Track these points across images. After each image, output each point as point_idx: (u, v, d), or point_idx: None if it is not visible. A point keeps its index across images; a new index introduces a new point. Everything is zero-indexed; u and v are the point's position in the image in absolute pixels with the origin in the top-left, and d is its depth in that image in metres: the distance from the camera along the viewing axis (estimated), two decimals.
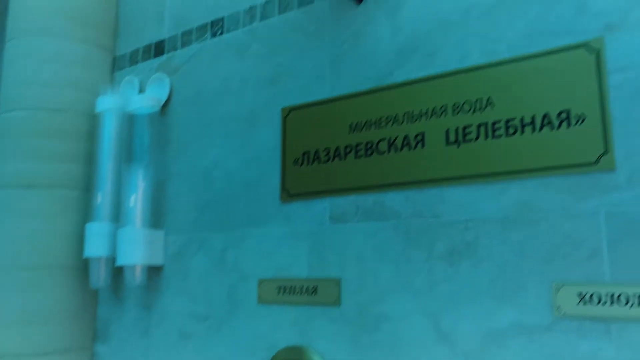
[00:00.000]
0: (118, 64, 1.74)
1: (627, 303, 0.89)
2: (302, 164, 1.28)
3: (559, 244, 0.96)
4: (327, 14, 1.34)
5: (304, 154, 1.28)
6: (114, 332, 1.57)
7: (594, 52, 0.97)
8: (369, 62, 1.24)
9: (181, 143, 1.52)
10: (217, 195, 1.42)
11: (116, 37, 1.76)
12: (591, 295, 0.91)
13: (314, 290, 1.20)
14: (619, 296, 0.89)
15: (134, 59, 1.70)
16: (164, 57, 1.61)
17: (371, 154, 1.18)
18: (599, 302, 0.91)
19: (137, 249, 1.43)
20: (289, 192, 1.28)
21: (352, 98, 1.24)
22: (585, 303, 0.92)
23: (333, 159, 1.23)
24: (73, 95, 1.59)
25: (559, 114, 0.99)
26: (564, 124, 0.98)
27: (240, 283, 1.33)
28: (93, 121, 1.58)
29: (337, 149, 1.23)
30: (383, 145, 1.17)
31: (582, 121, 0.96)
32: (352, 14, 1.30)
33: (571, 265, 0.94)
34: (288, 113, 1.33)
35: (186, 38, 1.58)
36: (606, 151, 0.93)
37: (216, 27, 1.52)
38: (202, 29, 1.56)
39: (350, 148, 1.22)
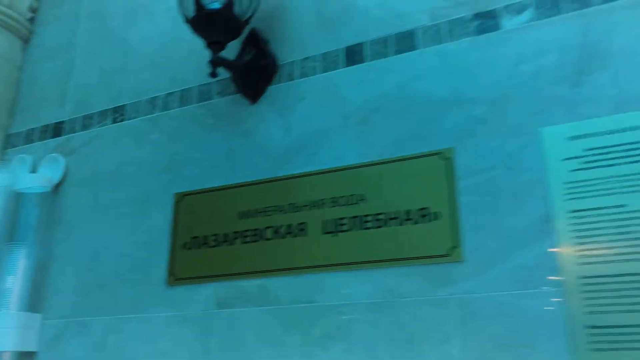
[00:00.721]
0: (11, 142, 1.73)
1: None
2: (190, 248, 1.32)
3: (418, 328, 1.07)
4: (224, 110, 1.45)
5: (193, 238, 1.33)
6: None
7: (446, 159, 1.14)
8: (260, 156, 1.36)
9: (71, 224, 1.51)
10: (103, 278, 1.41)
11: (12, 115, 1.76)
12: None
13: None
14: None
15: (29, 137, 1.71)
16: (62, 138, 1.63)
17: (257, 240, 1.26)
18: None
19: (7, 334, 1.36)
20: (176, 276, 1.32)
21: (243, 187, 1.33)
22: None
23: (221, 245, 1.29)
24: None
25: (419, 210, 1.13)
26: (423, 220, 1.12)
27: None
28: None
29: (226, 234, 1.30)
30: (269, 233, 1.26)
31: (438, 218, 1.11)
32: (248, 112, 1.42)
33: (428, 349, 1.05)
34: (181, 199, 1.39)
35: (87, 121, 1.62)
36: (456, 245, 1.08)
37: (117, 113, 1.59)
38: (103, 114, 1.61)
39: (238, 234, 1.29)
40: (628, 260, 0.94)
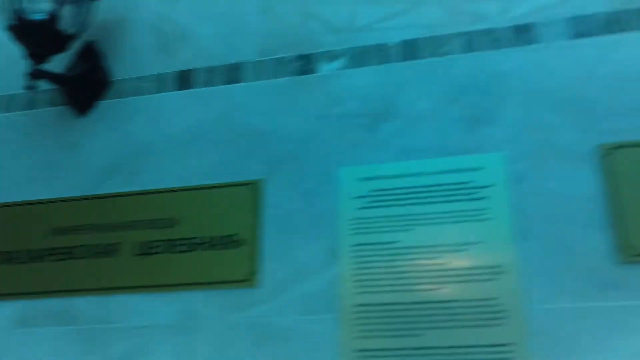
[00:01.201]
0: None
1: None
2: None
3: (215, 350, 1.14)
4: (49, 121, 1.42)
5: (1, 253, 1.29)
6: None
7: (255, 190, 1.23)
8: (81, 171, 1.35)
9: None
10: None
11: None
12: None
13: None
14: None
15: None
16: None
17: (67, 258, 1.26)
18: None
19: None
20: None
21: (60, 203, 1.32)
22: None
23: (30, 262, 1.27)
24: None
25: (227, 237, 1.21)
26: (229, 246, 1.20)
27: None
28: None
29: (36, 251, 1.28)
30: (81, 252, 1.26)
31: (242, 245, 1.19)
32: (74, 125, 1.41)
33: None
34: None
35: None
36: (254, 272, 1.17)
37: None
38: None
39: (49, 251, 1.27)
40: (395, 291, 1.09)
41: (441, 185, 1.14)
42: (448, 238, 1.09)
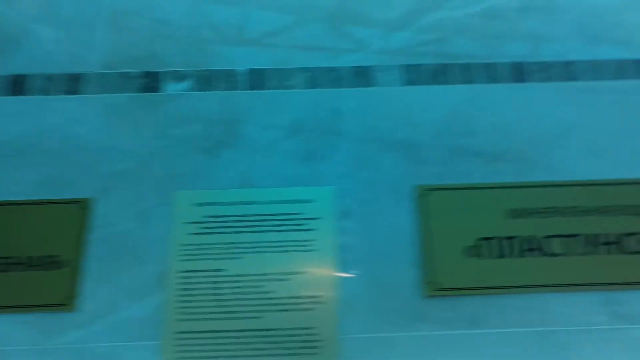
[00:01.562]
0: None
1: None
2: None
3: None
4: None
5: None
6: None
7: (83, 209, 1.17)
8: None
9: None
10: None
11: None
12: None
13: None
14: None
15: None
16: None
17: None
18: None
19: None
20: None
21: None
22: None
23: None
24: None
25: (48, 257, 1.14)
26: (49, 267, 1.13)
27: None
28: None
29: None
30: None
31: (63, 267, 1.13)
32: None
33: None
34: None
35: None
36: (74, 295, 1.11)
37: None
38: None
39: None
40: (218, 319, 1.10)
41: (273, 214, 1.17)
42: (274, 267, 1.12)
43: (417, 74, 1.30)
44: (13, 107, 1.28)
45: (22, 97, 1.29)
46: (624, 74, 1.31)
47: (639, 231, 1.15)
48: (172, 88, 1.30)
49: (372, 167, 1.22)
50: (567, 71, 1.31)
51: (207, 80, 1.30)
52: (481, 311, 1.10)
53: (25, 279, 1.12)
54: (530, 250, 1.13)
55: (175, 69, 1.31)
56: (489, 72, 1.31)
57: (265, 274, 1.12)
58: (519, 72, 1.31)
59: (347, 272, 1.13)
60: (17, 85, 1.30)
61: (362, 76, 1.30)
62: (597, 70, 1.31)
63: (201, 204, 1.19)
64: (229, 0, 1.38)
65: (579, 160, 1.22)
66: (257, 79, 1.30)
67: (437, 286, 1.10)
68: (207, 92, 1.29)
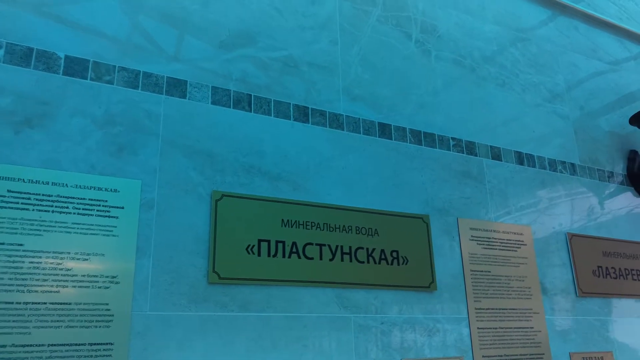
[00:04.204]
0: None
1: None
2: None
3: None
4: None
5: None
6: None
7: None
8: None
9: None
10: None
11: None
12: None
13: None
14: None
15: None
16: None
17: None
18: None
19: None
20: None
21: None
22: None
23: None
24: None
25: None
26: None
27: None
28: None
29: None
30: None
31: None
32: None
33: None
34: None
35: None
36: None
37: None
38: None
39: None
40: (12, 291, 1.13)
41: (78, 198, 1.25)
42: (75, 247, 1.21)
43: (221, 97, 1.54)
44: None
45: None
46: (370, 131, 1.77)
47: (365, 246, 1.58)
48: None
49: (178, 168, 1.40)
50: (336, 121, 1.71)
51: (23, 55, 1.30)
52: (251, 297, 1.38)
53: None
54: (294, 252, 1.46)
55: None
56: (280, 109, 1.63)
57: (65, 253, 1.19)
58: (304, 114, 1.66)
59: (144, 258, 1.28)
60: None
61: (177, 87, 1.48)
62: (356, 124, 1.74)
63: (4, 178, 1.19)
64: None
65: (333, 189, 1.61)
66: (77, 66, 1.36)
67: (220, 275, 1.34)
68: (23, 67, 1.29)
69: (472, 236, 1.80)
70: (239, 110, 1.55)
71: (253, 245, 1.41)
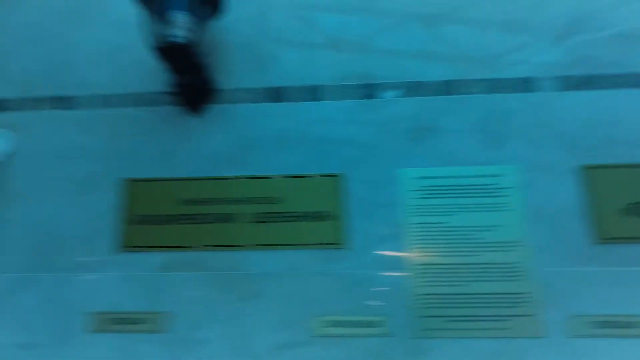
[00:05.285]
0: None
1: None
2: (138, 224, 1.66)
3: (314, 295, 1.58)
4: (169, 114, 1.80)
5: (143, 216, 1.66)
6: None
7: (336, 181, 1.68)
8: (199, 157, 1.75)
9: (20, 195, 1.71)
10: (53, 241, 1.65)
11: None
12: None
13: (143, 321, 1.55)
14: None
15: None
16: (8, 114, 1.80)
17: (200, 223, 1.65)
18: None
19: None
20: (125, 245, 1.63)
21: (189, 181, 1.71)
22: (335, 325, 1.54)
23: (167, 223, 1.65)
24: None
25: (318, 212, 1.65)
26: (321, 219, 1.64)
27: (73, 317, 1.57)
28: None
29: (172, 216, 1.66)
30: (209, 218, 1.66)
31: (331, 219, 1.64)
32: (188, 119, 1.79)
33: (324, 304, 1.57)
34: (129, 183, 1.71)
35: (31, 103, 1.82)
36: (342, 238, 1.62)
37: (64, 102, 1.82)
38: (48, 99, 1.83)
39: (181, 217, 1.66)
40: (444, 255, 1.58)
41: (476, 185, 1.65)
42: (483, 221, 1.60)
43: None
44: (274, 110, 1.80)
45: (282, 104, 1.81)
46: None
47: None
48: (385, 95, 1.79)
49: (545, 152, 1.68)
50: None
51: (413, 89, 1.79)
52: (629, 254, 1.55)
53: (305, 227, 1.64)
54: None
55: (386, 81, 1.81)
56: None
57: (475, 226, 1.60)
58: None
59: (534, 224, 1.59)
60: (276, 95, 1.82)
61: (526, 83, 1.77)
62: None
63: (420, 178, 1.67)
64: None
65: None
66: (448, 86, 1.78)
67: (607, 235, 1.56)
68: (412, 97, 1.78)
69: None
70: (584, 91, 1.75)
71: (627, 209, 1.58)
